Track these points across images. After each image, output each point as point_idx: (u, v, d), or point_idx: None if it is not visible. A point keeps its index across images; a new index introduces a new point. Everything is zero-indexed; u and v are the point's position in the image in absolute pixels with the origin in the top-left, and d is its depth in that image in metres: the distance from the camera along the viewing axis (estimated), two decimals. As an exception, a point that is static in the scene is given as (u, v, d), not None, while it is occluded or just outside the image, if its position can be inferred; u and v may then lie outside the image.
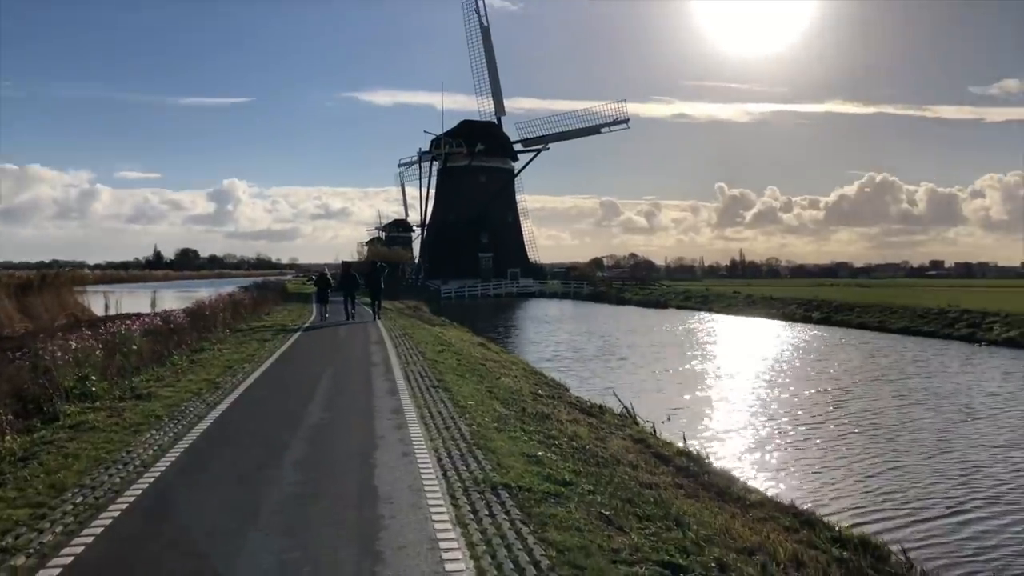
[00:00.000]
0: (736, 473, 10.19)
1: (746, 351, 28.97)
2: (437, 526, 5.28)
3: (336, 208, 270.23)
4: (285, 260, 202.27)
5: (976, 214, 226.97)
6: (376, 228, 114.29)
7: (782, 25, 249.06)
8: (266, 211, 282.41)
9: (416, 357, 16.01)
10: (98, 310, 38.21)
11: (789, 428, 14.81)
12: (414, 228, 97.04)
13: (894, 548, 7.23)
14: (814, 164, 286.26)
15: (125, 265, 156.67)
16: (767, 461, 12.32)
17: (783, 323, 42.93)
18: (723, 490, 7.92)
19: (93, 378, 10.97)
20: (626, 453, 8.83)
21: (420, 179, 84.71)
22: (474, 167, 79.54)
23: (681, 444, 10.70)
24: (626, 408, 13.49)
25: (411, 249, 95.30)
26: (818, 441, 13.73)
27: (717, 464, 10.15)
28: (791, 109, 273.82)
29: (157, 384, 11.70)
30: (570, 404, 12.89)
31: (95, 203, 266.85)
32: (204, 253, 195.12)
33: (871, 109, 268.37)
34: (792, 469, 11.86)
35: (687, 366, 24.24)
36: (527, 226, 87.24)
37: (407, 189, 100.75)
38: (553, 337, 35.02)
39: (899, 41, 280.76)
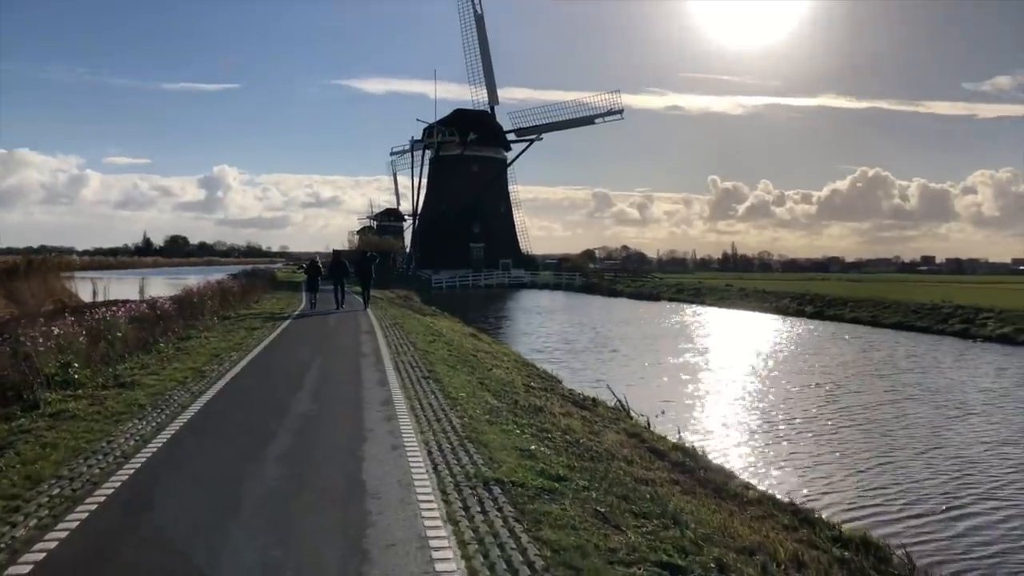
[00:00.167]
0: (731, 468, 10.06)
1: (739, 344, 28.86)
2: (427, 523, 5.09)
3: (327, 196, 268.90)
4: (275, 248, 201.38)
5: (967, 210, 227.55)
6: (367, 217, 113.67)
7: (776, 18, 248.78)
8: (257, 199, 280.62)
9: (407, 347, 15.80)
10: (86, 296, 37.74)
11: (783, 422, 14.69)
12: (406, 217, 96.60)
13: (896, 548, 7.08)
14: (807, 158, 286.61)
15: (114, 251, 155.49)
16: (762, 456, 12.19)
17: (776, 317, 42.87)
18: (720, 486, 7.75)
19: (76, 365, 10.71)
20: (621, 447, 8.66)
21: (412, 168, 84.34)
22: (467, 156, 79.14)
23: (676, 438, 10.55)
24: (620, 401, 13.32)
25: (402, 238, 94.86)
26: (812, 436, 13.62)
27: (713, 460, 10.01)
28: (784, 103, 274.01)
29: (142, 372, 11.46)
30: (563, 396, 12.71)
31: (84, 188, 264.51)
32: (194, 240, 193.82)
33: (864, 104, 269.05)
34: (787, 464, 11.74)
35: (680, 359, 24.11)
36: (519, 216, 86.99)
37: (399, 178, 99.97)
38: (545, 328, 34.85)
39: (893, 36, 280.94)
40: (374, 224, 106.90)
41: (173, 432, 7.66)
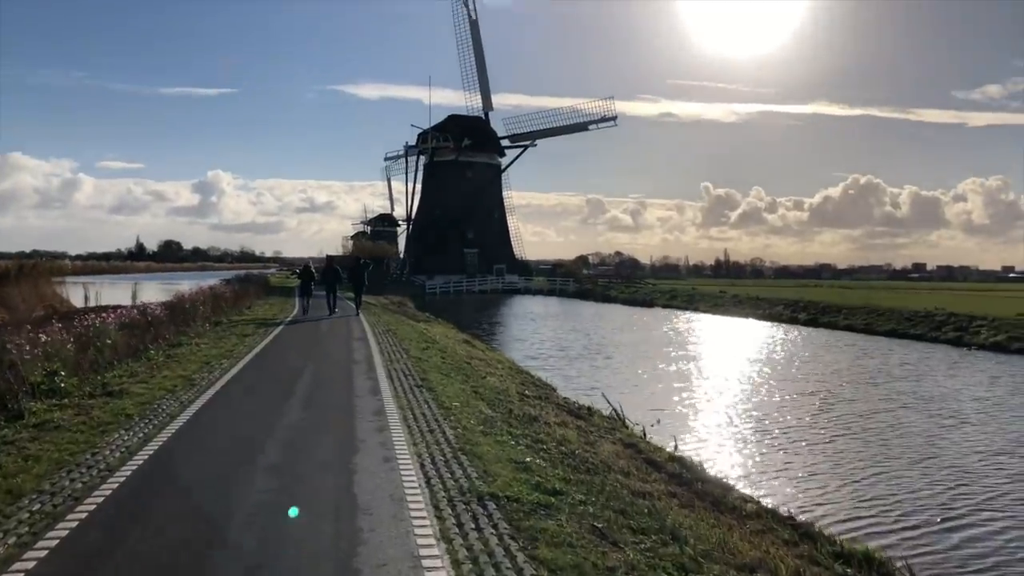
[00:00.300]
0: (728, 479, 9.94)
1: (733, 352, 28.78)
2: (420, 541, 4.93)
3: (321, 201, 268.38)
4: (269, 253, 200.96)
5: (958, 218, 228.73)
6: (361, 222, 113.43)
7: (769, 26, 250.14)
8: (251, 203, 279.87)
9: (400, 354, 15.64)
10: (77, 301, 37.44)
11: (778, 431, 14.58)
12: (400, 223, 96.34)
13: (899, 564, 6.95)
14: (799, 165, 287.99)
15: (107, 256, 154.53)
16: (757, 465, 12.06)
17: (770, 324, 42.82)
18: (718, 499, 7.62)
19: (62, 373, 10.52)
20: (617, 459, 8.52)
21: (406, 173, 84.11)
22: (461, 162, 79.01)
23: (672, 449, 10.42)
24: (615, 410, 13.18)
25: (396, 244, 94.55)
26: (808, 445, 13.51)
27: (710, 470, 9.88)
28: (777, 110, 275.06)
29: (130, 380, 11.27)
30: (558, 405, 12.56)
31: (77, 193, 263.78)
32: (187, 245, 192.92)
33: (856, 111, 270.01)
34: (782, 473, 11.62)
35: (675, 366, 23.99)
36: (513, 222, 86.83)
37: (393, 183, 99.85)
38: (539, 335, 34.70)
39: (884, 45, 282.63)
40: (368, 229, 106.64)
41: (160, 443, 7.48)
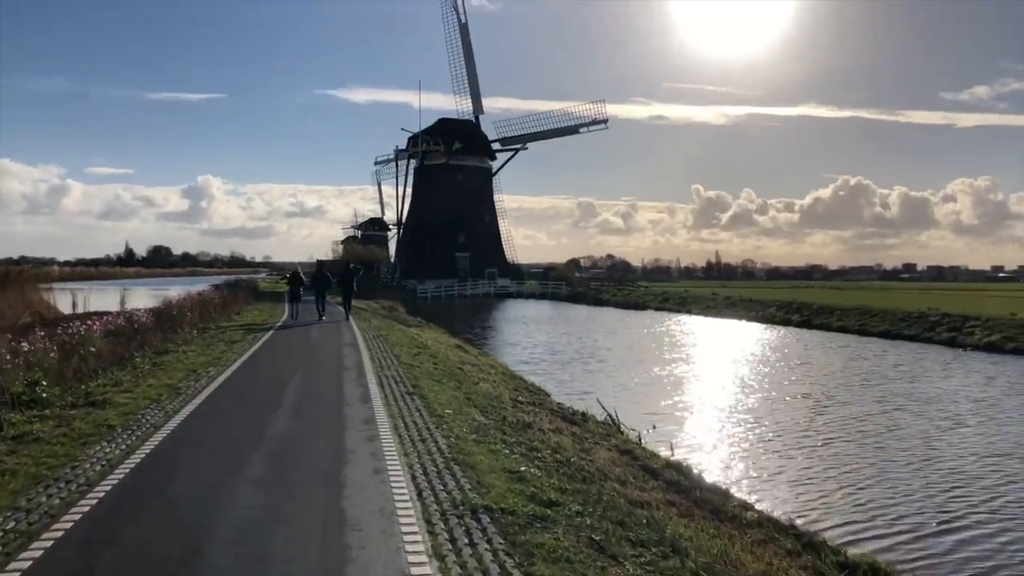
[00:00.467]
0: (726, 485, 9.75)
1: (727, 355, 28.64)
2: (411, 559, 4.72)
3: (311, 206, 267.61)
4: (259, 258, 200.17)
5: (947, 218, 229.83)
6: (352, 227, 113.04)
7: (758, 28, 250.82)
8: (241, 208, 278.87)
9: (391, 360, 15.41)
10: (65, 308, 36.99)
11: (774, 434, 14.43)
12: (390, 227, 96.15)
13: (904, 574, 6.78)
14: (789, 167, 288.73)
15: (96, 262, 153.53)
16: (754, 469, 11.89)
17: (763, 326, 42.73)
18: (717, 507, 7.43)
19: (44, 383, 10.25)
20: (613, 466, 8.32)
21: (397, 177, 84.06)
22: (451, 166, 78.86)
23: (669, 455, 10.24)
24: (610, 416, 12.99)
25: (387, 248, 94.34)
26: (804, 448, 13.36)
27: (706, 476, 9.71)
28: (766, 112, 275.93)
29: (114, 389, 11.00)
30: (552, 411, 12.37)
31: (66, 198, 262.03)
32: (177, 250, 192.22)
33: (845, 113, 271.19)
34: (779, 477, 11.47)
35: (669, 370, 23.83)
36: (504, 226, 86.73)
37: (384, 188, 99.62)
38: (531, 339, 34.50)
39: (872, 46, 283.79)
40: (359, 233, 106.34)
41: (143, 456, 7.24)
